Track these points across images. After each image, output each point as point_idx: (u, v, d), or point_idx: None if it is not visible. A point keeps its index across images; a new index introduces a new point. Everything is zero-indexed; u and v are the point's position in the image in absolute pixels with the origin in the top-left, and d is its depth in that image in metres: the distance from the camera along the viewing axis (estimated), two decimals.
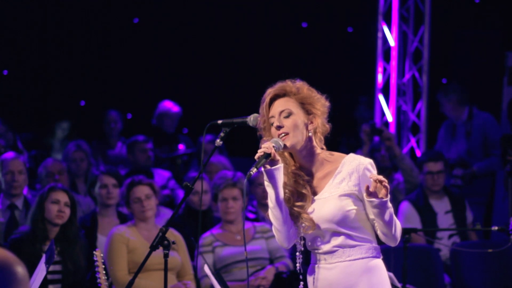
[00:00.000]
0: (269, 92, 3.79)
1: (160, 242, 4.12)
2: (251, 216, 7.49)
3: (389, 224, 3.68)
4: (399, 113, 10.01)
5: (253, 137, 3.83)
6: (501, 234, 6.04)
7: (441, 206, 7.79)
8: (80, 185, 8.18)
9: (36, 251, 5.99)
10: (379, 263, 3.81)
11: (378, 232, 3.76)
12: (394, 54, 9.90)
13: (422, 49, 9.77)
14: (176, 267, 6.34)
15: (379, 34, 9.93)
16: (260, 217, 7.38)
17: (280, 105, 3.77)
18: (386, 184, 3.59)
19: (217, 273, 5.34)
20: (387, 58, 9.96)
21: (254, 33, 11.27)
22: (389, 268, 5.38)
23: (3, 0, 10.82)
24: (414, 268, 6.94)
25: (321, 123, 3.78)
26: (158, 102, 10.30)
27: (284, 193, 3.77)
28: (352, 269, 3.75)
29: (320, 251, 3.80)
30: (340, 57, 11.16)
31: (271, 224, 3.83)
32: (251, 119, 3.82)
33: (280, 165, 3.71)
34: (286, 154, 3.80)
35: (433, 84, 9.85)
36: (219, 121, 3.91)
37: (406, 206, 7.70)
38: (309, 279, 3.86)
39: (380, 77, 9.97)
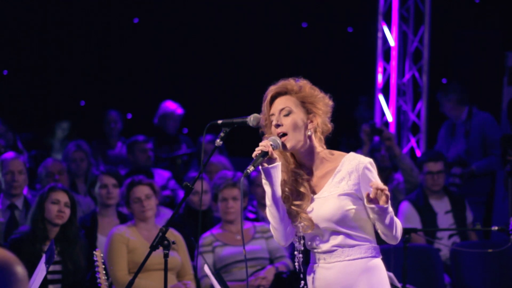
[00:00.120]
0: (271, 89, 3.79)
1: (160, 242, 4.12)
2: (251, 216, 7.49)
3: (389, 227, 3.68)
4: (399, 113, 10.01)
5: (253, 137, 3.83)
6: (501, 234, 6.04)
7: (441, 206, 7.79)
8: (80, 185, 8.18)
9: (36, 251, 5.99)
10: (379, 262, 3.80)
11: (379, 232, 3.76)
12: (394, 54, 9.90)
13: (422, 49, 9.77)
14: (176, 267, 6.34)
15: (379, 34, 9.93)
16: (260, 217, 7.38)
17: (280, 103, 3.77)
18: (387, 192, 3.58)
19: (217, 273, 5.34)
20: (387, 58, 9.96)
21: (254, 33, 11.27)
22: (389, 268, 5.38)
23: (3, 0, 10.81)
24: (414, 268, 6.94)
25: (321, 123, 3.77)
26: (158, 102, 10.30)
27: (283, 191, 3.77)
28: (351, 269, 3.74)
29: (319, 250, 3.79)
30: (340, 57, 11.16)
31: (269, 222, 3.83)
32: (251, 119, 3.82)
33: (278, 164, 3.71)
34: (286, 152, 3.81)
35: (433, 84, 9.85)
36: (219, 121, 3.90)
37: (406, 206, 7.70)
38: (308, 278, 3.86)
39: (380, 77, 9.97)
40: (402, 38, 9.91)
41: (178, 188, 8.52)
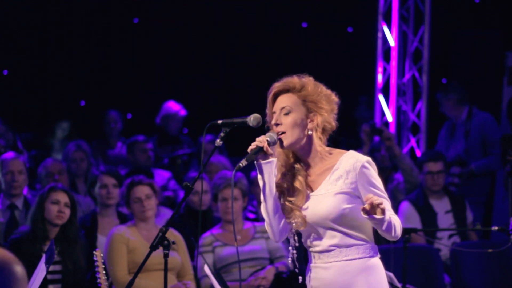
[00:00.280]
0: (274, 87, 3.79)
1: (160, 242, 4.12)
2: (251, 216, 7.49)
3: (387, 231, 3.65)
4: (399, 113, 10.01)
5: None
6: (501, 234, 6.03)
7: (441, 206, 7.78)
8: (80, 185, 8.17)
9: (36, 251, 5.99)
10: (377, 262, 3.80)
11: (378, 231, 3.75)
12: (394, 54, 9.90)
13: (422, 49, 9.77)
14: (176, 267, 6.34)
15: (379, 34, 9.93)
16: (260, 217, 7.38)
17: (282, 101, 3.77)
18: (382, 206, 3.54)
19: (217, 273, 5.34)
20: (387, 58, 9.96)
21: (254, 33, 11.27)
22: (389, 268, 5.39)
23: (3, 0, 10.81)
24: (414, 268, 6.93)
25: (321, 121, 3.75)
26: (158, 102, 10.30)
27: (280, 186, 3.77)
28: (349, 269, 3.74)
29: (316, 249, 3.79)
30: (340, 57, 11.15)
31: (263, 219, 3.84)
32: (251, 119, 3.82)
33: (272, 160, 3.71)
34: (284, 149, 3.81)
35: (433, 84, 9.85)
36: (219, 121, 3.90)
37: (406, 206, 7.70)
38: (307, 278, 3.86)
39: (380, 77, 9.97)
40: (402, 38, 9.91)
41: (178, 189, 8.52)
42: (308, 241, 3.82)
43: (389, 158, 8.44)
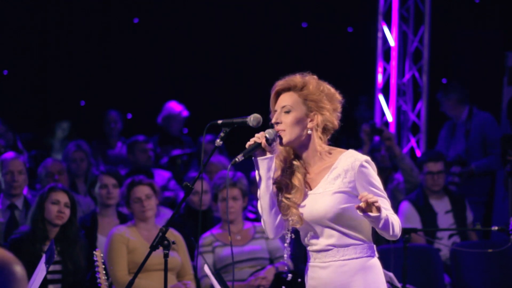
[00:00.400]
0: (276, 85, 3.79)
1: (160, 242, 4.12)
2: (251, 216, 7.49)
3: (384, 229, 3.64)
4: (399, 113, 10.01)
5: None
6: (501, 234, 6.03)
7: (441, 206, 7.78)
8: (80, 185, 8.17)
9: (36, 251, 5.99)
10: (375, 262, 3.79)
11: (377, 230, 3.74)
12: (394, 54, 9.90)
13: (422, 49, 9.77)
14: (176, 267, 6.34)
15: (379, 34, 9.93)
16: (261, 217, 7.37)
17: (283, 100, 3.77)
18: (377, 204, 3.53)
19: (217, 273, 5.34)
20: (387, 58, 9.96)
21: (254, 33, 11.27)
22: (389, 268, 5.39)
23: (3, 0, 10.81)
24: (414, 268, 6.93)
25: (322, 121, 3.75)
26: (159, 102, 10.31)
27: (278, 183, 3.78)
28: (346, 269, 3.73)
29: (314, 248, 3.79)
30: (340, 57, 11.16)
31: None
32: (251, 119, 3.82)
33: (270, 156, 3.72)
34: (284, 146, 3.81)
35: (433, 84, 9.85)
36: (219, 121, 3.90)
37: (406, 206, 7.70)
38: (306, 277, 3.87)
39: (380, 77, 9.97)
40: (402, 38, 9.92)
41: (178, 189, 8.52)
42: (306, 239, 3.82)
43: (389, 158, 8.44)
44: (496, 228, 5.87)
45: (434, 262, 7.28)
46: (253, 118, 3.81)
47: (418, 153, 9.66)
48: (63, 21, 11.31)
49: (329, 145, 3.83)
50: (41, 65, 11.34)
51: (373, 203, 3.51)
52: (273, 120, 3.76)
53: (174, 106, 10.14)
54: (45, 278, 5.33)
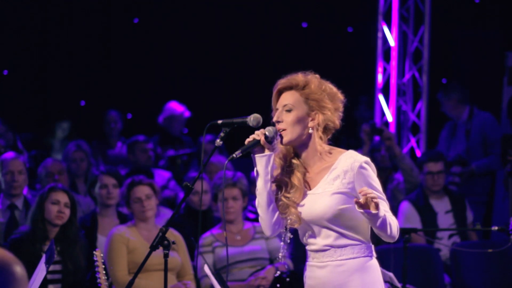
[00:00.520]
0: (278, 83, 3.79)
1: (160, 242, 4.12)
2: (251, 216, 7.49)
3: (382, 228, 3.64)
4: (399, 113, 10.01)
5: None
6: (501, 234, 6.03)
7: (441, 206, 7.78)
8: (80, 185, 8.17)
9: (36, 251, 5.99)
10: (372, 262, 3.79)
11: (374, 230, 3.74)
12: (394, 54, 9.90)
13: (422, 49, 9.77)
14: (176, 267, 6.34)
15: (379, 34, 9.93)
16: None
17: (285, 98, 3.77)
18: (376, 200, 3.53)
19: (217, 273, 5.34)
20: (387, 58, 9.96)
21: (254, 33, 11.27)
22: (389, 268, 5.39)
23: (3, 0, 10.81)
24: (414, 268, 6.93)
25: (323, 120, 3.74)
26: (158, 102, 10.31)
27: (278, 181, 3.78)
28: (344, 268, 3.74)
29: (312, 248, 3.80)
30: (340, 57, 11.16)
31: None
32: (251, 119, 3.82)
33: (268, 154, 3.72)
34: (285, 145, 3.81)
35: (433, 84, 9.85)
36: (219, 121, 3.90)
37: (406, 206, 7.70)
38: (304, 276, 3.88)
39: (380, 77, 9.97)
40: (402, 38, 9.91)
41: (178, 190, 8.52)
42: (304, 238, 3.83)
43: (389, 158, 8.44)
44: (496, 228, 5.87)
45: (434, 262, 7.28)
46: (253, 118, 3.82)
47: (418, 153, 9.66)
48: (63, 21, 11.31)
49: (329, 145, 3.83)
50: (41, 65, 11.34)
51: (372, 199, 3.51)
52: (274, 119, 3.76)
53: (176, 107, 10.14)
54: (45, 278, 5.34)
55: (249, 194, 7.44)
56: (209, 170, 8.05)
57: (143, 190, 6.41)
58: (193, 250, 6.54)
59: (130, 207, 6.47)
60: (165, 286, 4.21)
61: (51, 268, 5.80)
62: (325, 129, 3.79)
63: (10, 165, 6.93)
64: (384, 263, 5.49)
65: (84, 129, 10.54)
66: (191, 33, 11.34)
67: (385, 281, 5.23)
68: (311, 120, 3.75)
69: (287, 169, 3.80)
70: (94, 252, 5.22)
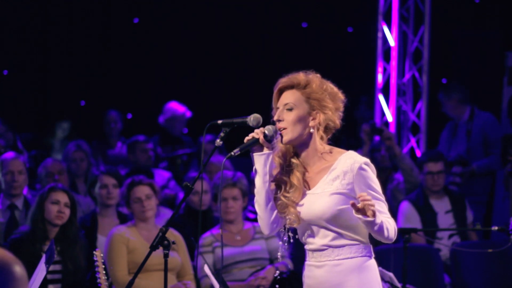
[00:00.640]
0: (279, 82, 3.79)
1: (160, 242, 4.12)
2: (251, 216, 7.49)
3: (378, 232, 3.64)
4: (399, 113, 10.01)
5: None
6: (501, 234, 6.03)
7: (441, 206, 7.78)
8: (80, 185, 8.17)
9: (36, 251, 5.99)
10: (370, 262, 3.79)
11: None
12: (394, 54, 9.90)
13: (422, 49, 9.77)
14: (176, 267, 6.34)
15: (379, 34, 9.93)
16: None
17: (286, 97, 3.77)
18: (373, 208, 3.53)
19: (217, 273, 5.34)
20: (387, 58, 9.96)
21: (254, 33, 11.27)
22: (389, 268, 5.39)
23: (3, 0, 10.81)
24: (414, 268, 6.93)
25: (324, 120, 3.74)
26: (158, 102, 10.31)
27: (278, 181, 3.78)
28: (341, 268, 3.74)
29: (310, 247, 3.80)
30: (340, 57, 11.16)
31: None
32: (251, 119, 3.82)
33: (267, 152, 3.73)
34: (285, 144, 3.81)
35: (433, 84, 9.85)
36: (219, 121, 3.90)
37: (406, 206, 7.70)
38: (303, 275, 3.88)
39: (380, 77, 9.97)
40: (402, 38, 9.91)
41: (178, 190, 8.52)
42: (303, 238, 3.84)
43: (389, 158, 8.44)
44: (496, 228, 5.87)
45: (434, 262, 7.28)
46: (253, 118, 3.82)
47: (418, 153, 9.66)
48: (63, 21, 11.31)
49: (329, 144, 3.83)
50: (41, 65, 11.34)
51: (369, 206, 3.51)
52: (275, 118, 3.76)
53: (177, 107, 10.14)
54: (45, 278, 5.33)
55: (249, 194, 7.44)
56: (209, 170, 8.05)
57: (143, 190, 6.41)
58: (193, 250, 6.54)
59: (130, 207, 6.47)
60: (165, 286, 4.21)
61: (51, 268, 5.80)
62: (326, 129, 3.79)
63: (10, 165, 6.93)
64: (384, 263, 5.50)
65: (84, 129, 10.54)
66: (191, 33, 11.34)
67: (385, 281, 5.23)
68: (312, 120, 3.75)
69: (286, 168, 3.80)
70: (94, 252, 5.22)
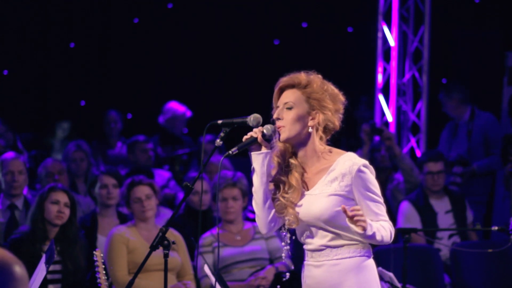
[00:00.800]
0: (280, 81, 3.79)
1: (160, 242, 4.12)
2: (251, 216, 7.49)
3: (370, 240, 3.69)
4: (399, 113, 10.01)
5: None
6: (501, 234, 6.03)
7: (441, 206, 7.78)
8: (80, 185, 8.17)
9: (36, 251, 5.99)
10: (369, 262, 3.79)
11: None
12: (394, 54, 9.90)
13: (422, 49, 9.77)
14: (176, 267, 6.34)
15: (379, 34, 9.93)
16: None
17: (286, 96, 3.77)
18: (363, 224, 3.56)
19: (217, 273, 5.34)
20: (387, 58, 9.96)
21: (255, 33, 11.27)
22: (389, 268, 5.39)
23: (3, 0, 10.82)
24: (414, 268, 6.93)
25: (323, 120, 3.74)
26: (158, 102, 10.31)
27: (276, 181, 3.78)
28: (339, 268, 3.74)
29: (309, 247, 3.81)
30: (340, 57, 11.16)
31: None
32: (251, 119, 3.82)
33: (265, 151, 3.73)
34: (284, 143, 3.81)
35: (433, 84, 9.85)
36: (219, 121, 3.90)
37: (406, 206, 7.70)
38: (302, 275, 3.88)
39: (380, 77, 9.97)
40: (402, 38, 9.91)
41: (178, 190, 8.52)
42: (302, 238, 3.84)
43: (389, 158, 8.44)
44: (496, 228, 5.87)
45: (434, 262, 7.28)
46: (253, 118, 3.82)
47: (418, 153, 9.66)
48: (63, 21, 11.32)
49: (329, 145, 3.83)
50: (41, 65, 11.34)
51: (361, 222, 3.55)
52: (274, 116, 3.77)
53: (178, 107, 10.14)
54: (45, 278, 5.34)
55: (249, 194, 7.44)
56: (209, 170, 8.05)
57: (143, 190, 6.42)
58: (193, 250, 6.54)
59: (130, 207, 6.47)
60: (165, 286, 4.21)
61: (51, 268, 5.80)
62: (325, 130, 3.79)
63: (10, 165, 6.93)
64: (384, 263, 5.50)
65: (84, 129, 10.54)
66: (191, 33, 11.34)
67: (385, 281, 5.23)
68: (311, 119, 3.75)
69: (285, 169, 3.80)
70: (94, 252, 5.23)
